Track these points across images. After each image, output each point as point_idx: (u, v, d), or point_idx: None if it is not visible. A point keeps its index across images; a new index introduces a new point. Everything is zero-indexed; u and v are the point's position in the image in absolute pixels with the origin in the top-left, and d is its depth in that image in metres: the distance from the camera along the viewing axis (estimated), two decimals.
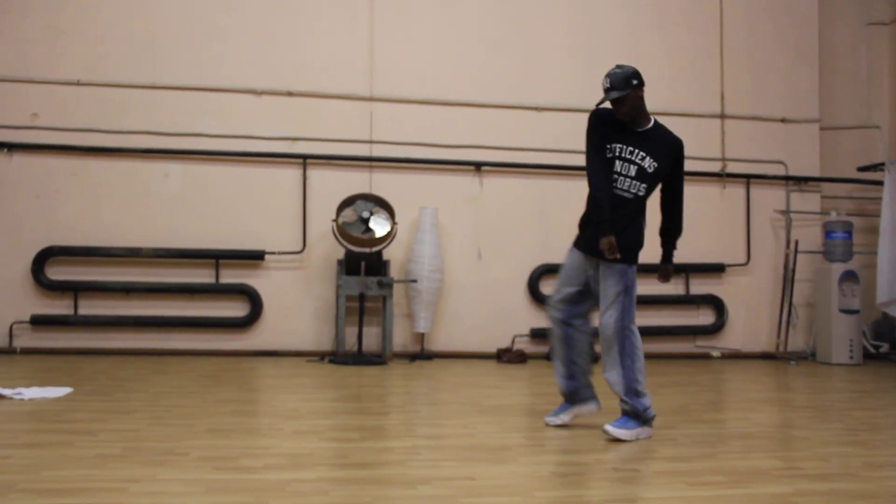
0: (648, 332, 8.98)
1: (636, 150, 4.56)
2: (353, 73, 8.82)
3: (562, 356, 4.81)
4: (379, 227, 8.13)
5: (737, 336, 9.39)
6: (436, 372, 7.51)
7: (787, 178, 9.54)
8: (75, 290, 8.22)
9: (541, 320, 8.89)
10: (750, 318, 9.43)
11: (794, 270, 9.33)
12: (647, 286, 9.19)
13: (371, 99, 8.82)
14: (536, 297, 8.89)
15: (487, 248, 8.94)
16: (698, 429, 4.91)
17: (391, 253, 8.56)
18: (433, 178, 8.87)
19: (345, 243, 8.07)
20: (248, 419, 5.00)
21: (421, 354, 8.46)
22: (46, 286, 8.17)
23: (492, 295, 8.89)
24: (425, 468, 3.77)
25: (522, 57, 9.13)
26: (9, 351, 8.06)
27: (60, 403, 5.23)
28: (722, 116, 9.49)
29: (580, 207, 9.19)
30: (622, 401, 4.58)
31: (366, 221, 8.11)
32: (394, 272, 8.60)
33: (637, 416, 4.54)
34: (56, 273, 8.25)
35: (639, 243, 4.65)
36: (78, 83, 8.40)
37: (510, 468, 3.83)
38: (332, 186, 8.54)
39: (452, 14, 9.06)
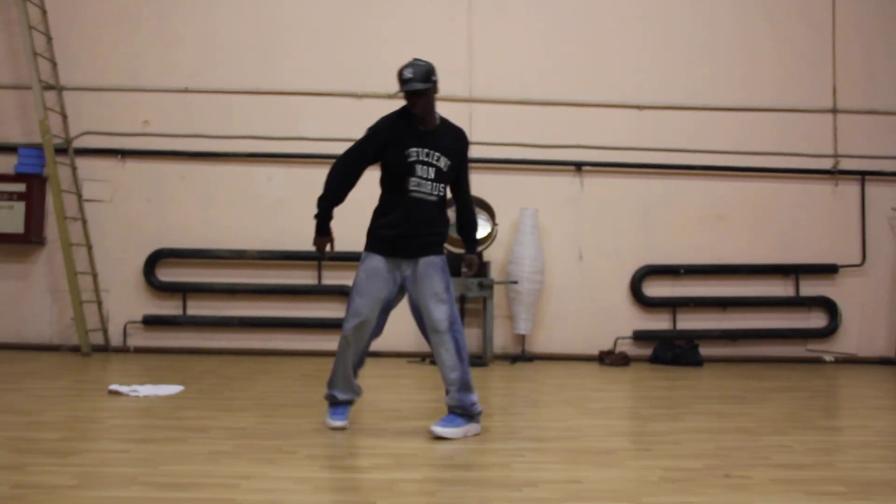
0: (756, 335, 8.76)
1: (432, 152, 4.48)
2: (452, 74, 8.85)
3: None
4: (479, 228, 8.13)
5: (851, 340, 9.02)
6: (537, 374, 7.47)
7: None
8: (184, 291, 8.53)
9: (644, 322, 8.78)
10: (866, 321, 9.05)
11: None
12: (754, 287, 8.97)
13: (470, 100, 8.85)
14: (639, 298, 8.75)
15: (588, 249, 8.85)
16: (813, 436, 4.74)
17: (491, 254, 8.57)
18: (533, 179, 8.84)
19: (445, 245, 8.09)
20: (352, 419, 5.07)
21: (521, 356, 8.44)
22: (157, 287, 8.50)
23: (593, 296, 8.80)
24: (530, 471, 3.76)
25: (622, 55, 9.01)
26: (123, 349, 8.43)
27: (173, 401, 5.42)
28: (834, 111, 9.13)
29: (685, 206, 8.95)
30: (453, 398, 4.50)
31: None
32: (494, 273, 8.60)
33: (465, 412, 4.51)
34: (166, 274, 8.58)
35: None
36: (186, 90, 8.71)
37: (617, 472, 3.78)
38: None
39: (551, 13, 9.01)
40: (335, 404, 4.68)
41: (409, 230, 4.50)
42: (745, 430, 4.80)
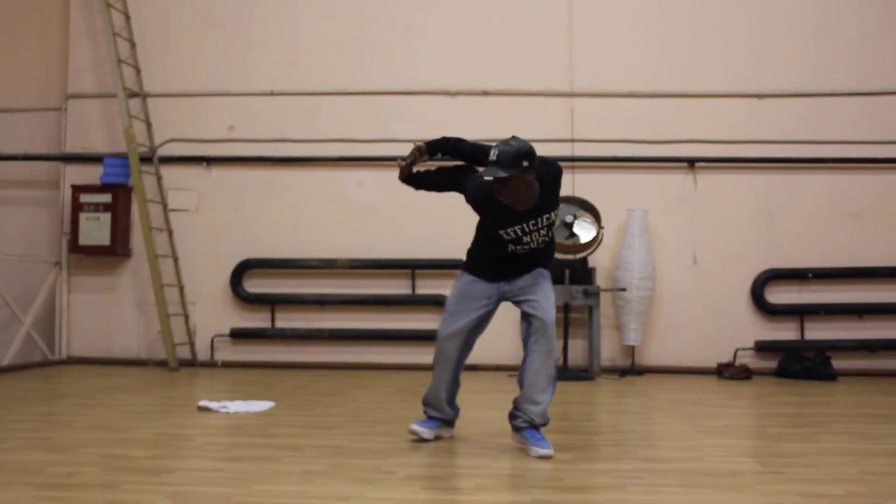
0: None
1: (538, 219, 4.35)
2: (551, 68, 8.81)
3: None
4: (584, 232, 8.07)
5: None
6: (649, 388, 7.35)
7: None
8: (272, 302, 8.71)
9: (767, 331, 8.55)
10: None
11: None
12: (894, 292, 8.58)
13: (571, 94, 8.78)
14: (762, 305, 8.52)
15: (704, 253, 8.66)
16: None
17: (597, 260, 8.48)
18: (641, 178, 8.71)
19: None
20: (454, 436, 5.07)
21: (631, 369, 8.31)
22: (244, 299, 8.70)
23: (710, 304, 8.60)
24: (648, 494, 3.67)
25: (740, 40, 8.78)
26: (211, 364, 8.66)
27: (264, 418, 5.53)
28: None
29: (812, 203, 8.66)
30: (542, 415, 4.51)
31: (569, 226, 8.07)
32: (600, 280, 8.50)
33: (544, 422, 4.56)
34: (253, 286, 8.77)
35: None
36: (271, 93, 8.90)
37: (746, 497, 3.66)
38: None
39: None
40: (427, 418, 4.83)
41: (515, 271, 4.58)
42: (893, 454, 4.59)
